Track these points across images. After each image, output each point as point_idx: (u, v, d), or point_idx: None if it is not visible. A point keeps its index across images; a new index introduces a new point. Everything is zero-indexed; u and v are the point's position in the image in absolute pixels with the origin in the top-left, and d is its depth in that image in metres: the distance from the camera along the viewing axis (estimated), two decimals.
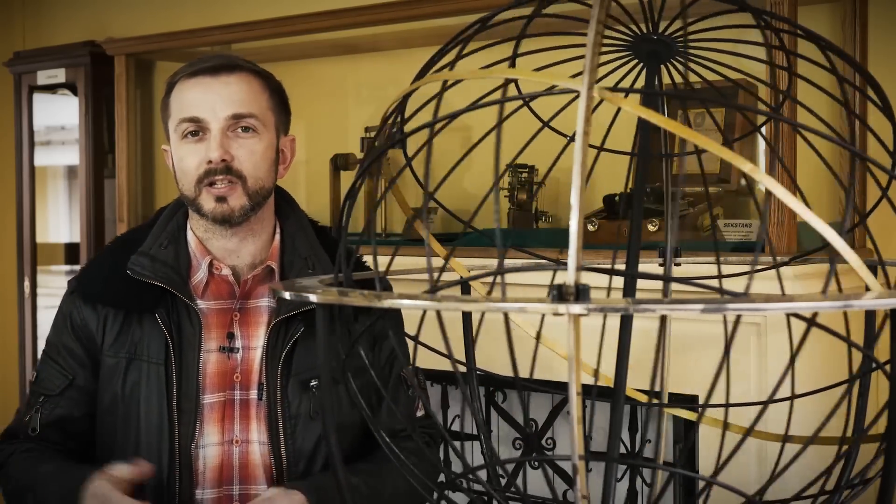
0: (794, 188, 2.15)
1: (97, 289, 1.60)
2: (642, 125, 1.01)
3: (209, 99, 1.53)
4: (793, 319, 1.01)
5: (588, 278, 0.60)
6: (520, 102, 0.88)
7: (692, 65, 0.99)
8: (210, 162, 1.52)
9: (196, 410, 1.54)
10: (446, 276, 1.03)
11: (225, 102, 1.53)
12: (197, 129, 1.54)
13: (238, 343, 1.58)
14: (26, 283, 4.05)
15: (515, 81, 0.98)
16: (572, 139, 0.98)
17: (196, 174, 1.53)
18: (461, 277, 1.08)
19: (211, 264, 1.59)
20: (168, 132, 1.60)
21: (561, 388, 0.86)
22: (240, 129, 1.54)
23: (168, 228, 1.63)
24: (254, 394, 1.57)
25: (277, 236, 1.64)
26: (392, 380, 1.62)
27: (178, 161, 1.57)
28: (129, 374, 1.55)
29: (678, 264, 1.20)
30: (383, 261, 0.96)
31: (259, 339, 1.58)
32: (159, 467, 1.52)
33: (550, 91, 0.72)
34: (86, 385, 1.59)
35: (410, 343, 1.48)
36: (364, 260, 1.68)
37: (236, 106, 1.53)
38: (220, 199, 1.53)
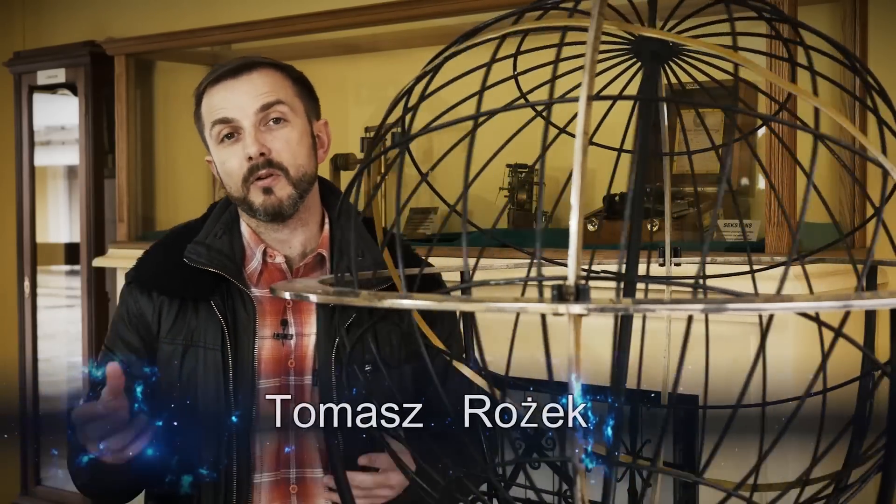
0: (793, 187, 2.15)
1: (152, 277, 1.63)
2: (642, 124, 1.01)
3: (235, 98, 1.56)
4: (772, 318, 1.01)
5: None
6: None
7: (692, 65, 0.99)
8: (250, 158, 1.55)
9: (252, 395, 1.57)
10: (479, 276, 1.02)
11: (251, 98, 1.56)
12: (231, 130, 1.57)
13: (292, 330, 1.61)
14: (26, 283, 4.05)
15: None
16: (563, 131, 0.98)
17: (241, 173, 1.56)
18: (468, 280, 1.08)
19: (265, 252, 1.62)
20: (206, 142, 1.63)
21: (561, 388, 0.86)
22: (271, 122, 1.57)
23: (222, 219, 1.66)
24: (308, 379, 1.59)
25: (327, 225, 1.66)
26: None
27: (221, 165, 1.60)
28: (186, 360, 1.58)
29: (678, 264, 1.20)
30: (446, 262, 0.96)
31: (312, 325, 1.61)
32: (217, 452, 1.54)
33: (556, 99, 0.73)
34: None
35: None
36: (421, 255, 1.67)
37: (263, 97, 1.56)
38: (267, 191, 1.56)
